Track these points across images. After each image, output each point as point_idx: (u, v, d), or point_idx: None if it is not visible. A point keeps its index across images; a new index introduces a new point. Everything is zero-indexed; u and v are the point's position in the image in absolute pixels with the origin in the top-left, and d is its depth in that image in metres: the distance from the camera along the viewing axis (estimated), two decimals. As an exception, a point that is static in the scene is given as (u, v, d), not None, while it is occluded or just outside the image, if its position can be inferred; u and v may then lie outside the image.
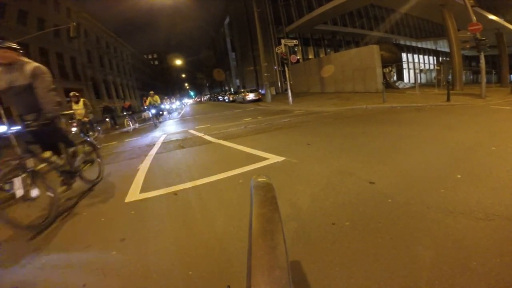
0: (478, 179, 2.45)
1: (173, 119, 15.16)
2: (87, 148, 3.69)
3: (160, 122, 13.07)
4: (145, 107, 13.77)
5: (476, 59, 18.67)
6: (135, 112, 14.37)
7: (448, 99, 8.53)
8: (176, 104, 31.40)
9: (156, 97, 13.17)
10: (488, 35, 13.53)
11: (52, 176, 2.81)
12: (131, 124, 11.47)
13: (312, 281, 1.43)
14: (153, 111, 12.51)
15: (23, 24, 19.74)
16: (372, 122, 6.36)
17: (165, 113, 16.39)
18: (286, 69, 15.22)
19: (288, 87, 14.37)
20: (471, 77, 22.99)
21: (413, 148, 3.73)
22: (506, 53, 18.59)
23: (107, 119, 13.70)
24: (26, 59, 2.69)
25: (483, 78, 9.36)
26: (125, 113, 12.49)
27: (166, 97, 19.91)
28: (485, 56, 9.44)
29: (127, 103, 13.83)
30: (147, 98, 13.25)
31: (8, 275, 1.81)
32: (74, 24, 11.54)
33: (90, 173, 3.70)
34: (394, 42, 34.67)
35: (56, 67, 22.98)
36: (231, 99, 28.40)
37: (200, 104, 41.28)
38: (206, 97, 66.50)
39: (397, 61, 18.70)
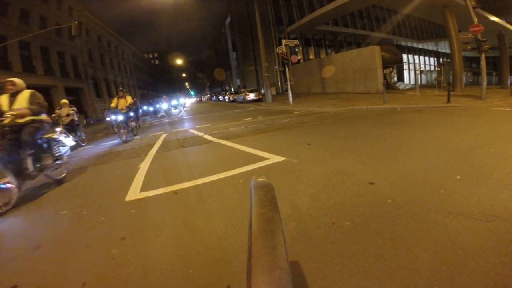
0: (478, 180, 2.45)
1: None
2: None
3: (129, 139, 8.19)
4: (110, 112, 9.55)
5: (477, 60, 18.66)
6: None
7: (448, 101, 8.53)
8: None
9: (128, 98, 8.79)
10: (490, 36, 13.51)
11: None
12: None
13: (312, 281, 1.43)
14: (120, 117, 8.30)
15: (25, 22, 19.75)
16: (373, 123, 6.36)
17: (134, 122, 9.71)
18: (287, 69, 15.20)
19: (289, 88, 14.34)
20: (472, 78, 22.95)
21: (413, 149, 3.74)
22: (507, 54, 18.55)
23: None
24: None
25: (484, 79, 9.33)
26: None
27: (121, 92, 8.79)
28: (486, 58, 9.42)
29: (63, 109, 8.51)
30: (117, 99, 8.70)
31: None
32: (76, 23, 11.47)
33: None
34: (395, 43, 34.64)
35: (57, 65, 22.99)
36: (231, 99, 28.32)
37: (201, 104, 41.33)
38: (206, 97, 66.52)
39: (398, 62, 18.63)
